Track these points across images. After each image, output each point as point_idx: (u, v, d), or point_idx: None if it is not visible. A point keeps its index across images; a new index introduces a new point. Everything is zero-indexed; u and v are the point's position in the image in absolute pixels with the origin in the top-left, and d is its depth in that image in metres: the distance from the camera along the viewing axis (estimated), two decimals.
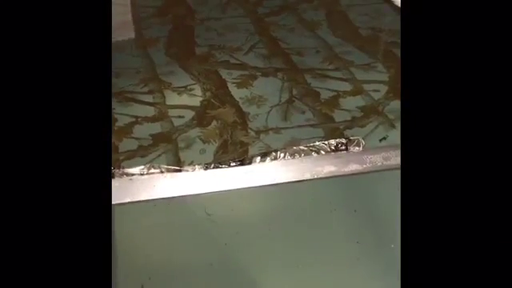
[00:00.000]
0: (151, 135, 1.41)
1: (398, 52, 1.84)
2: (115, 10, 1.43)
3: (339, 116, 1.48)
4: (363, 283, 1.10)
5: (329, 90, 1.60)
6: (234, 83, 1.65)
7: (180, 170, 1.28)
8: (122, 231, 1.14)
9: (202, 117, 1.49)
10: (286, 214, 1.25)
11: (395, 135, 1.41)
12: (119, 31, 1.93)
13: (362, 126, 1.43)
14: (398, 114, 1.47)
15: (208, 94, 1.60)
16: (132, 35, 1.97)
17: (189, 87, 1.63)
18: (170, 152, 1.35)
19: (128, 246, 1.13)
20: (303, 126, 1.45)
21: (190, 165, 1.30)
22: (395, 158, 1.33)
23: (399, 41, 1.92)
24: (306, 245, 1.17)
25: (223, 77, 1.68)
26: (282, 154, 1.34)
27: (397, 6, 2.20)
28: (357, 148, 1.37)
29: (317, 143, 1.36)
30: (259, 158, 1.32)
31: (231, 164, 1.30)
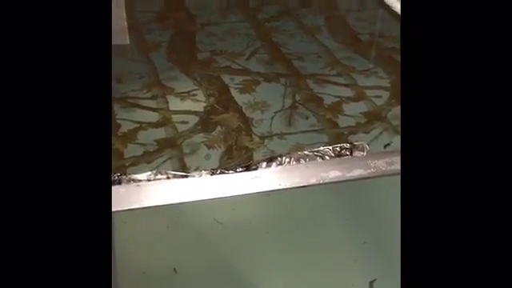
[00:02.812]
0: (156, 141, 1.41)
1: (397, 57, 1.86)
2: (114, 14, 1.44)
3: (343, 122, 1.49)
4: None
5: (331, 95, 1.61)
6: (236, 88, 1.65)
7: (186, 176, 1.28)
8: (129, 237, 1.14)
9: (206, 122, 1.49)
10: (290, 219, 1.25)
11: (398, 140, 1.43)
12: (119, 36, 1.92)
13: (367, 132, 1.44)
14: None
15: (211, 99, 1.60)
16: (132, 40, 1.97)
17: (192, 92, 1.63)
18: (176, 158, 1.35)
19: (136, 251, 1.13)
20: (307, 131, 1.46)
21: (196, 170, 1.30)
22: (399, 163, 1.34)
23: (398, 46, 1.94)
24: (305, 249, 1.17)
25: (226, 82, 1.69)
26: (287, 160, 1.34)
27: (394, 12, 2.22)
28: (361, 153, 1.38)
29: (321, 148, 1.37)
30: (265, 163, 1.33)
31: (237, 169, 1.30)
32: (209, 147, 1.39)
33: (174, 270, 1.07)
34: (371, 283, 1.11)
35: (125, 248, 1.10)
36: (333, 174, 1.32)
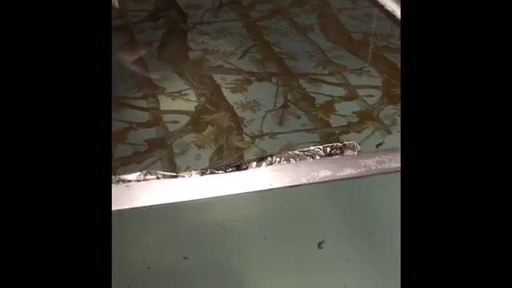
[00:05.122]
0: (146, 141, 1.41)
1: (389, 56, 1.86)
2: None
3: (335, 121, 1.49)
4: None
5: (323, 94, 1.61)
6: (228, 88, 1.65)
7: (176, 176, 1.27)
8: (119, 237, 1.13)
9: (196, 122, 1.49)
10: (280, 219, 1.25)
11: (390, 140, 1.43)
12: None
13: (359, 132, 1.44)
14: (394, 119, 1.49)
15: (202, 99, 1.60)
16: (123, 39, 1.96)
17: (183, 92, 1.63)
18: (166, 158, 1.35)
19: (126, 252, 1.13)
20: (299, 130, 1.45)
21: (186, 171, 1.30)
22: (389, 163, 1.34)
23: (390, 45, 1.94)
24: (297, 249, 1.17)
25: (217, 81, 1.68)
26: (278, 159, 1.34)
27: (387, 10, 2.22)
28: (351, 152, 1.38)
29: (311, 148, 1.37)
30: (255, 163, 1.32)
31: (227, 169, 1.30)
32: (199, 147, 1.39)
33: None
34: (319, 244, 1.12)
35: (113, 249, 1.09)
36: (323, 173, 1.31)
